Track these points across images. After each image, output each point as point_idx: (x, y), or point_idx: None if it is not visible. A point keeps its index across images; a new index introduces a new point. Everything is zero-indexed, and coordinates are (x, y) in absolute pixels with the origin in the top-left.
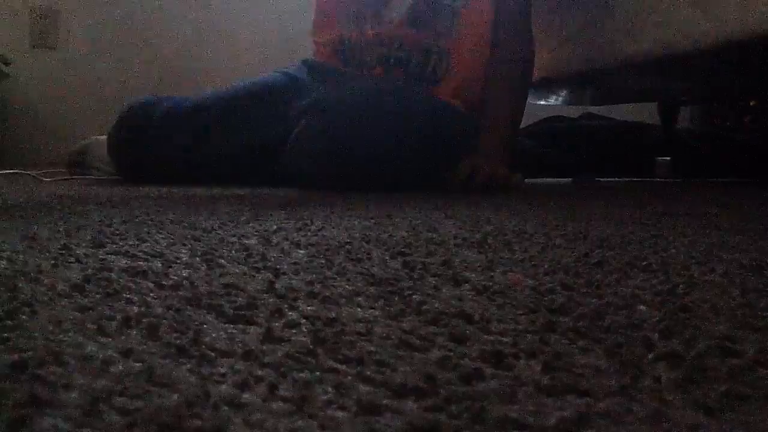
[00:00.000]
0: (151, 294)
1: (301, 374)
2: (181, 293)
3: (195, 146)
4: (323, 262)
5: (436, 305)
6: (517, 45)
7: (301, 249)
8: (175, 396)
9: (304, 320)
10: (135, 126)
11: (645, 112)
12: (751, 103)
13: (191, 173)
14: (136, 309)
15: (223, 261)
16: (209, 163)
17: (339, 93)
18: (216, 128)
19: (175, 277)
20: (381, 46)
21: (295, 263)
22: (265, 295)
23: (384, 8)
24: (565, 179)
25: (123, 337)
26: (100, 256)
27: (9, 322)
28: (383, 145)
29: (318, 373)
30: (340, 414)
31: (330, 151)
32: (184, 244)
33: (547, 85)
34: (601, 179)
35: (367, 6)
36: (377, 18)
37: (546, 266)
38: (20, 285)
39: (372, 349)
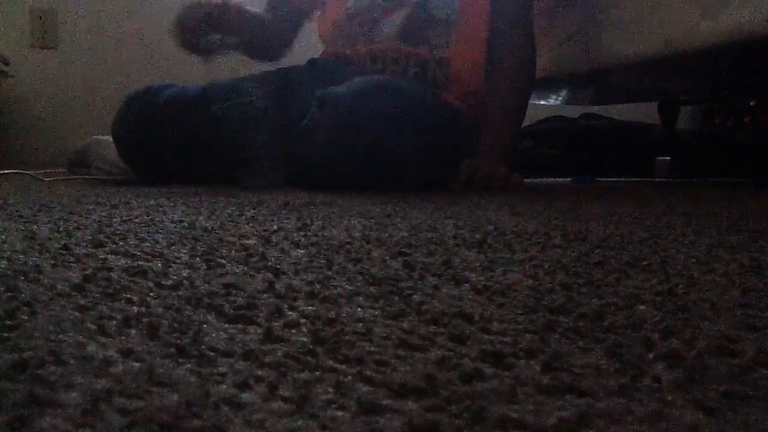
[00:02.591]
0: (151, 294)
1: (301, 374)
2: (181, 293)
3: (201, 132)
4: (323, 262)
5: (436, 305)
6: (519, 46)
7: (301, 249)
8: (175, 396)
9: (304, 320)
10: (139, 115)
11: (645, 112)
12: (751, 103)
13: (197, 162)
14: (136, 309)
15: (223, 261)
16: (215, 153)
17: (342, 88)
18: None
19: (175, 277)
20: (375, 62)
21: (295, 263)
22: (265, 295)
23: (374, 28)
24: (565, 179)
25: (123, 337)
26: (100, 256)
27: (9, 322)
28: (385, 139)
29: (318, 373)
30: (340, 414)
31: (334, 143)
32: (184, 244)
33: (547, 85)
34: (601, 179)
35: (359, 27)
36: (369, 37)
37: (546, 266)
38: (20, 285)
39: (372, 349)
